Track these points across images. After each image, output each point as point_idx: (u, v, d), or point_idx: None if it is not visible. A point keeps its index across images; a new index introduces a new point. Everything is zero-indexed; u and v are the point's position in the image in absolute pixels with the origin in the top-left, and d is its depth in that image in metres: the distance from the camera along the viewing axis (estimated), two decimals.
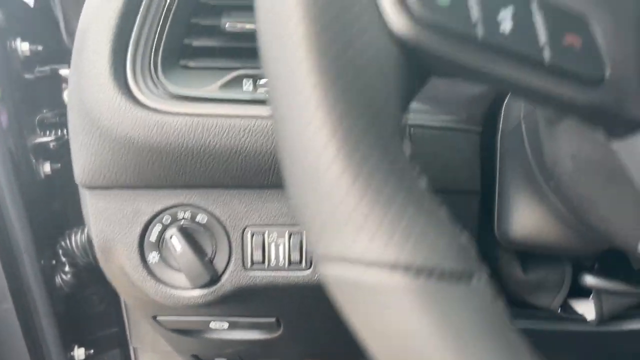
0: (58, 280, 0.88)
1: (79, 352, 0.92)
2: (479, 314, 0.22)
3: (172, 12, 0.51)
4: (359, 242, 0.21)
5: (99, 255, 0.57)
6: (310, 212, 0.23)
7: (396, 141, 0.23)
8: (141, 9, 0.50)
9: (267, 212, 0.52)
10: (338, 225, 0.22)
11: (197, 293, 0.54)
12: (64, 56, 0.76)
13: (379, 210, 0.21)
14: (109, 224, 0.54)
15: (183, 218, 0.49)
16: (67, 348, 0.91)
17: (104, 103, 0.48)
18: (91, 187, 0.52)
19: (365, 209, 0.21)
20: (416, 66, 0.24)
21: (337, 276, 0.23)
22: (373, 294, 0.22)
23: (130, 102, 0.48)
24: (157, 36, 0.51)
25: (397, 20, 0.23)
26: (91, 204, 0.54)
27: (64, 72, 0.80)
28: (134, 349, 0.95)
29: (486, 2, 0.23)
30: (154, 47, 0.52)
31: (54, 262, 0.86)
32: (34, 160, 0.81)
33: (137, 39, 0.50)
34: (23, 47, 0.77)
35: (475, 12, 0.23)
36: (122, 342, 0.95)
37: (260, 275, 0.52)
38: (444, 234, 0.22)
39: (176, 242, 0.52)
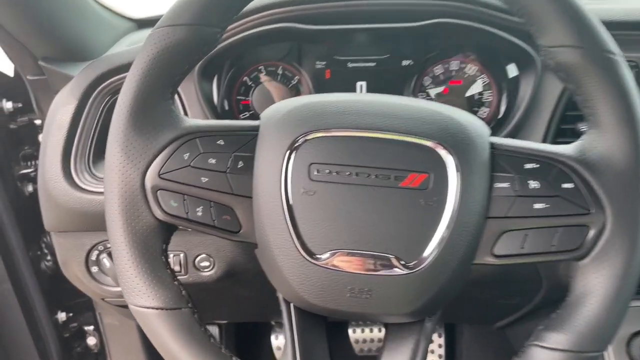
0: (43, 265, 1.13)
1: (61, 316, 1.17)
2: (180, 330, 0.54)
3: (98, 130, 0.86)
4: (139, 298, 0.55)
5: (62, 268, 0.93)
6: (122, 285, 0.55)
7: (160, 265, 0.55)
8: (78, 130, 0.85)
9: None
10: (129, 290, 0.55)
11: (119, 289, 0.78)
12: (40, 114, 0.99)
13: (146, 288, 0.54)
14: (66, 250, 0.89)
15: (110, 247, 0.64)
16: (53, 313, 1.16)
17: (58, 190, 0.83)
18: (53, 231, 0.88)
19: (140, 287, 0.54)
20: (168, 229, 0.55)
21: (134, 310, 0.56)
22: (145, 318, 0.55)
23: (73, 188, 0.82)
24: (90, 145, 0.85)
25: (158, 212, 0.54)
26: (54, 239, 0.90)
27: (38, 122, 1.02)
28: (99, 313, 1.18)
29: (188, 205, 0.55)
30: (88, 151, 0.85)
31: (39, 252, 1.12)
32: (19, 184, 1.06)
33: (77, 147, 0.85)
34: (7, 105, 0.98)
35: (185, 208, 0.55)
36: (92, 306, 1.19)
37: None
38: (170, 293, 0.55)
39: (106, 261, 0.88)
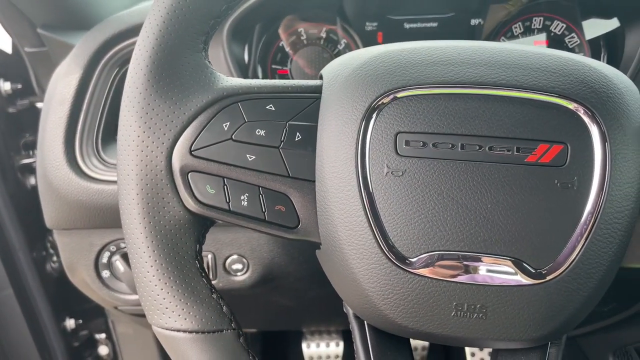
0: (49, 267, 1.04)
1: (70, 322, 1.07)
2: (223, 350, 0.42)
3: (108, 106, 0.73)
4: (167, 318, 0.42)
5: (67, 272, 0.81)
6: (143, 300, 0.42)
7: (193, 272, 0.42)
8: (84, 106, 0.72)
9: None
10: (153, 307, 0.42)
11: (135, 297, 0.75)
12: (41, 93, 0.89)
13: (175, 304, 0.41)
14: (72, 252, 0.75)
15: (124, 247, 0.65)
16: (60, 320, 1.08)
17: (60, 178, 0.69)
18: (56, 228, 0.74)
19: (167, 304, 0.41)
20: (202, 224, 0.43)
21: (159, 333, 0.43)
22: (174, 344, 0.42)
23: (78, 175, 0.69)
24: (98, 124, 0.73)
25: (189, 202, 0.42)
26: (57, 238, 0.77)
27: (40, 104, 0.91)
28: (112, 321, 1.08)
29: (229, 191, 0.42)
30: (95, 131, 0.72)
31: (44, 253, 1.02)
32: (20, 176, 0.96)
33: (83, 126, 0.72)
34: (5, 86, 0.88)
35: (225, 195, 0.42)
36: (104, 313, 1.09)
37: None
38: (207, 310, 0.42)
39: (119, 264, 0.75)
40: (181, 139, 0.42)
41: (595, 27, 0.72)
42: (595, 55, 0.73)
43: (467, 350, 1.24)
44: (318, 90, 0.44)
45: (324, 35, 0.77)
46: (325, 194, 0.41)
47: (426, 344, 1.22)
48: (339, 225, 0.41)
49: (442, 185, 0.39)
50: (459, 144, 0.39)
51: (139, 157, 0.41)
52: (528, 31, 0.74)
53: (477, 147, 0.39)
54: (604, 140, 0.39)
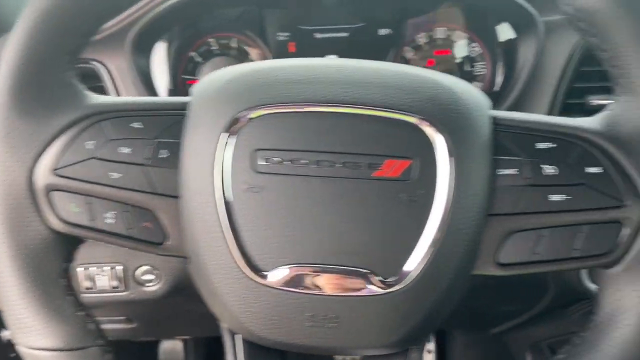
0: None
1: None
2: None
3: None
4: (29, 337, 0.43)
5: None
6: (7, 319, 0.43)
7: (58, 290, 0.43)
8: None
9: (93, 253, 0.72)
10: (16, 326, 0.43)
11: None
12: None
13: (38, 323, 0.42)
14: None
15: None
16: None
17: None
18: None
19: (30, 323, 0.42)
20: (68, 243, 0.44)
21: (24, 353, 0.44)
22: None
23: None
24: None
25: (53, 220, 0.43)
26: None
27: None
28: None
29: (94, 209, 0.43)
30: None
31: None
32: None
33: None
34: None
35: (90, 214, 0.43)
36: None
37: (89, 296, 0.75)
38: (71, 328, 0.43)
39: None
40: (43, 158, 0.42)
41: (497, 36, 0.75)
42: (494, 66, 0.75)
43: None
44: (185, 107, 0.45)
45: (235, 45, 0.78)
46: (188, 210, 0.42)
47: None
48: (201, 240, 0.42)
49: (297, 201, 0.41)
50: (314, 161, 0.41)
51: (1, 177, 0.41)
52: (432, 41, 0.76)
53: (330, 164, 0.40)
54: (449, 155, 0.41)
